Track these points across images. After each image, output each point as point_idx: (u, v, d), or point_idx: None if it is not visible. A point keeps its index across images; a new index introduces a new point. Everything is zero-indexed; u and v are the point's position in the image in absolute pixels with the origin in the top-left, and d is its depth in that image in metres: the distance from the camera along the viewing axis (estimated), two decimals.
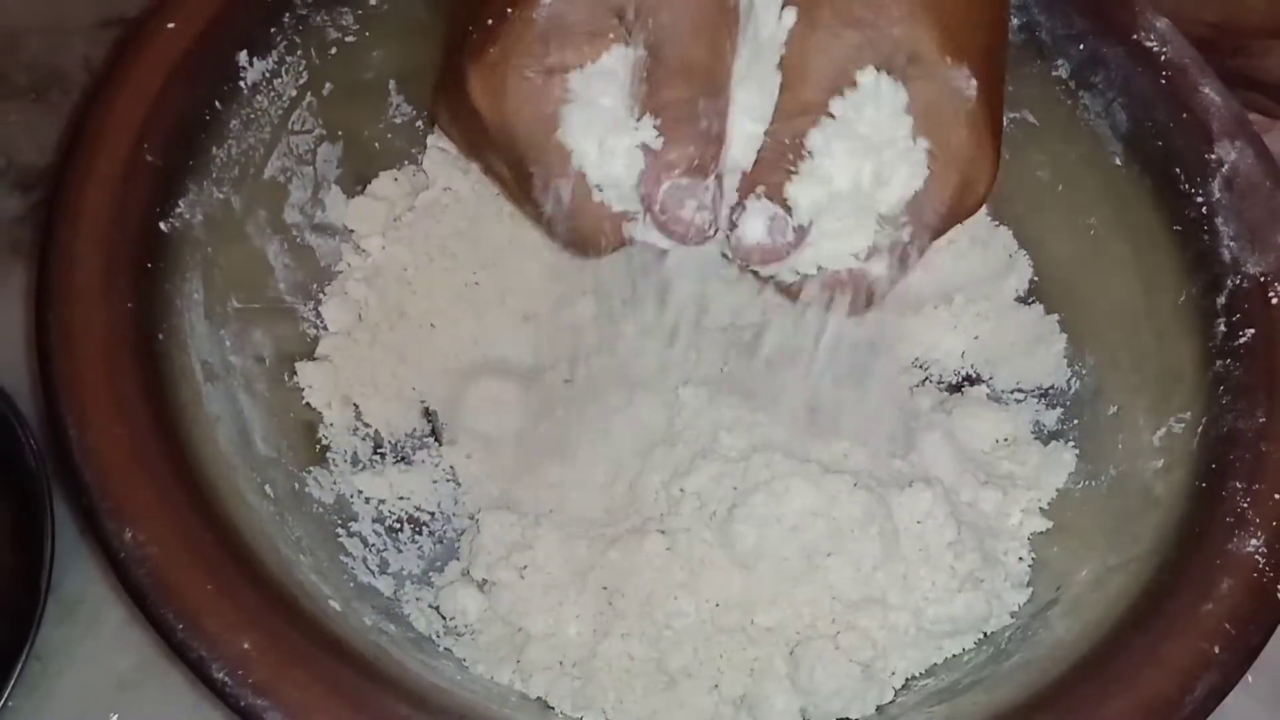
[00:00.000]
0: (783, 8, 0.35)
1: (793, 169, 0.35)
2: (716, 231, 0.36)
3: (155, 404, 0.38)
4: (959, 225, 0.38)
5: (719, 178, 0.35)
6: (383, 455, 0.48)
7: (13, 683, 0.42)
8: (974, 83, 0.36)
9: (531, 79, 0.36)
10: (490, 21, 0.36)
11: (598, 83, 0.36)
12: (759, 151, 0.36)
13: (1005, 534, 0.46)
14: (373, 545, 0.45)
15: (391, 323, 0.50)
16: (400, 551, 0.46)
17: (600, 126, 0.36)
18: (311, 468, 0.45)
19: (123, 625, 0.46)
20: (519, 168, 0.37)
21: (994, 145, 0.37)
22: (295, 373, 0.47)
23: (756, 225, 0.35)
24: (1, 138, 0.57)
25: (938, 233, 0.37)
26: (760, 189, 0.35)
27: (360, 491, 0.46)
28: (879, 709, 0.41)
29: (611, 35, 0.36)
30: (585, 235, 0.38)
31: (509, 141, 0.37)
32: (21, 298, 0.52)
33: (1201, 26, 0.54)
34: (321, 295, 0.49)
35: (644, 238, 0.37)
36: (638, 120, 0.35)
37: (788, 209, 0.35)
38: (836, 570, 0.42)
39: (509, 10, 0.35)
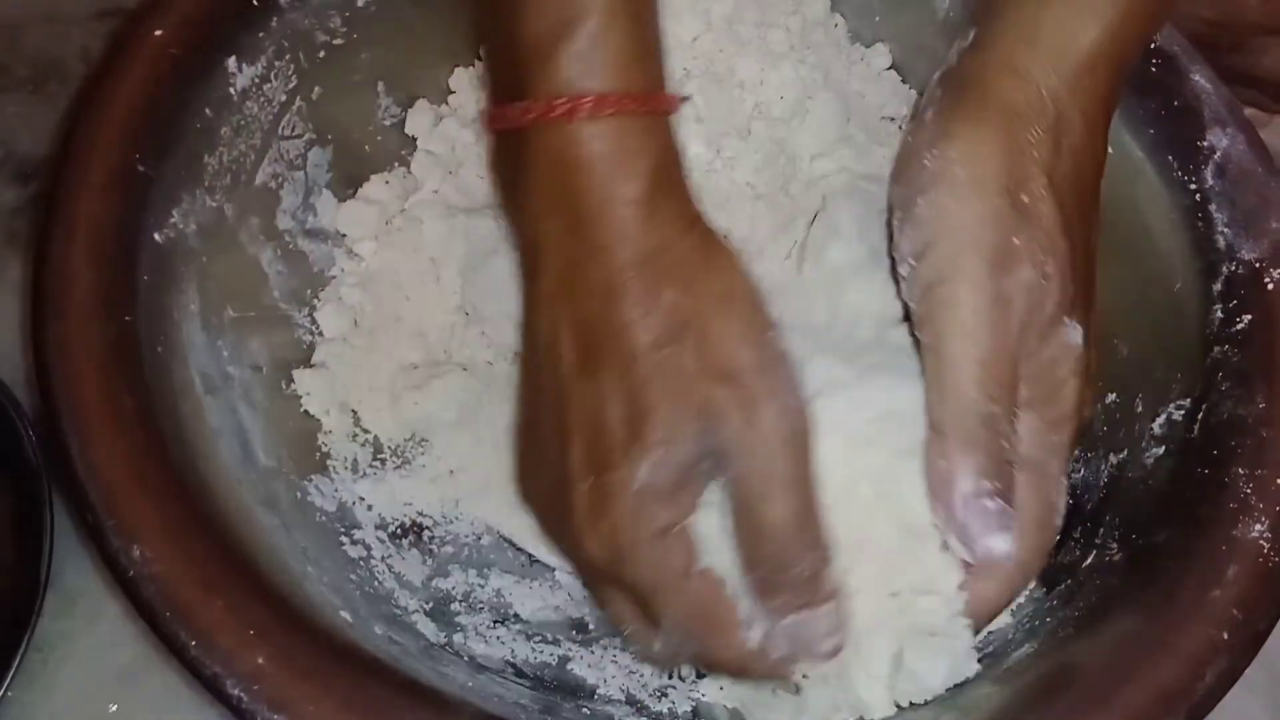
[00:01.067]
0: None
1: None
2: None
3: (156, 418, 0.38)
4: None
5: (833, 597, 0.36)
6: (382, 461, 0.48)
7: (12, 675, 0.43)
8: (1080, 331, 0.38)
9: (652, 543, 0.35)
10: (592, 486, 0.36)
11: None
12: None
13: None
14: (376, 553, 0.45)
15: (387, 327, 0.49)
16: (404, 559, 0.45)
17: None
18: (313, 476, 0.45)
19: (122, 618, 0.46)
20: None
21: (1090, 380, 0.39)
22: (293, 380, 0.46)
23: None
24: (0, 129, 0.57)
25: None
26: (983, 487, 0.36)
27: (362, 498, 0.46)
28: None
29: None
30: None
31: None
32: (19, 290, 0.52)
33: (1199, 24, 0.54)
34: (316, 301, 0.49)
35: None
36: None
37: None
38: None
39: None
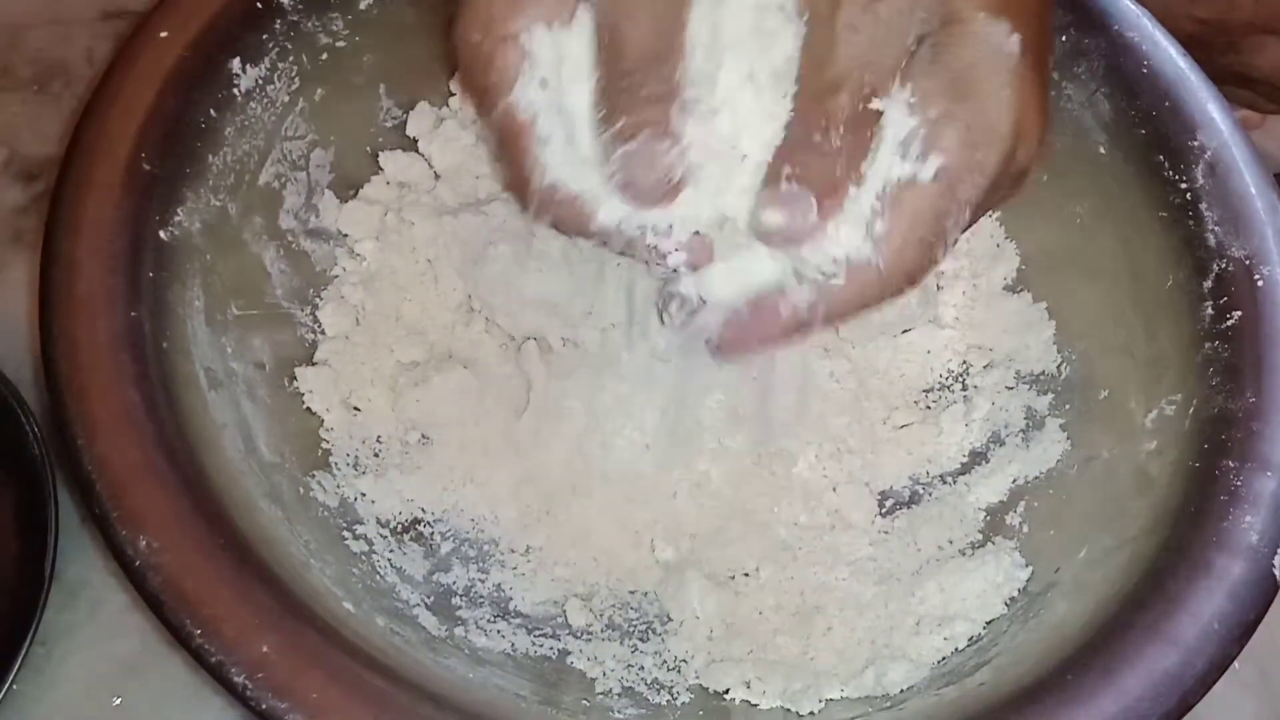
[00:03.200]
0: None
1: (832, 150, 0.34)
2: (677, 188, 0.35)
3: (163, 412, 0.38)
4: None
5: (674, 137, 0.35)
6: (384, 458, 0.48)
7: (17, 667, 0.43)
8: (1016, 37, 0.34)
9: (483, 48, 0.36)
10: None
11: (549, 53, 0.36)
12: (786, 134, 0.35)
13: (1000, 519, 0.47)
14: (378, 548, 0.45)
15: (388, 325, 0.50)
16: (405, 554, 0.46)
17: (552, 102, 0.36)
18: (315, 472, 0.45)
19: (125, 610, 0.47)
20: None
21: (1040, 106, 0.35)
22: (295, 378, 0.47)
23: (777, 208, 0.34)
24: (4, 129, 0.58)
25: (981, 207, 0.36)
26: (786, 171, 0.34)
27: (364, 494, 0.46)
28: (886, 695, 0.42)
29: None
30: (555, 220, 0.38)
31: (476, 108, 0.38)
32: (24, 287, 0.53)
33: (1192, 23, 0.55)
34: (318, 300, 0.49)
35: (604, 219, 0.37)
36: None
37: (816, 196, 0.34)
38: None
39: None
